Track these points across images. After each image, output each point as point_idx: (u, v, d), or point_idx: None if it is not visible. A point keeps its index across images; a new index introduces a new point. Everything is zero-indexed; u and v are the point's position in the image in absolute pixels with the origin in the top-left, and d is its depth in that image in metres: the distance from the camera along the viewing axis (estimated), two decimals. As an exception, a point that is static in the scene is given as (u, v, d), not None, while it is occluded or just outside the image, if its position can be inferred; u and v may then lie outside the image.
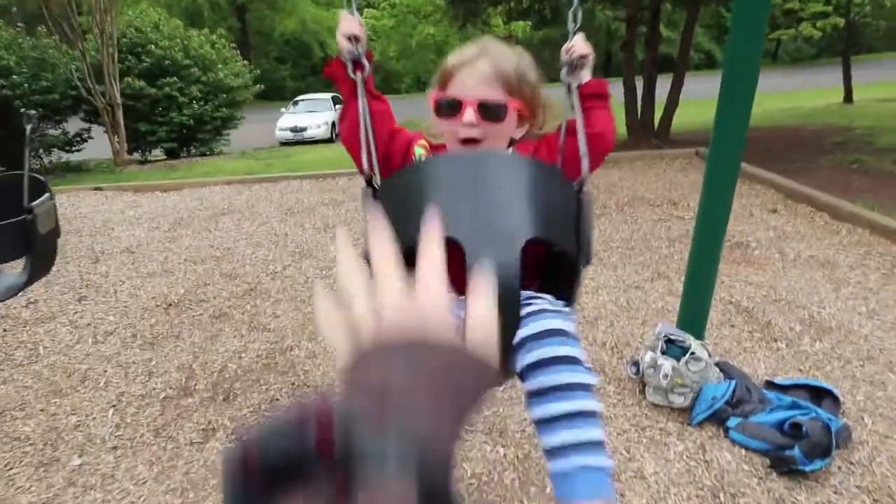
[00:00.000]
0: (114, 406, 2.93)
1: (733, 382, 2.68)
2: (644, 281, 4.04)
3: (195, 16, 32.91)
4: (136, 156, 14.12)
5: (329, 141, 19.26)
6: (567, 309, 1.15)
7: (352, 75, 1.34)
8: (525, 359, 1.03)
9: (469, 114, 1.22)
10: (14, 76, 11.52)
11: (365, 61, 1.34)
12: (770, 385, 2.82)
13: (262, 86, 17.60)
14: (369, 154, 1.28)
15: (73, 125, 13.75)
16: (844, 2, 13.97)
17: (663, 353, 2.73)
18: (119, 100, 12.67)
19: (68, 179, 11.15)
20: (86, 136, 13.81)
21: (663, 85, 9.38)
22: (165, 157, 14.45)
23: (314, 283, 4.25)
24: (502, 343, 0.49)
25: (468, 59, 1.26)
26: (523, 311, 1.05)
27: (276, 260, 4.81)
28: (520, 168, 1.08)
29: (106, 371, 3.25)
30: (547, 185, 1.08)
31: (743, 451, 2.43)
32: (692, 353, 2.64)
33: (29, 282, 2.04)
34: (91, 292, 4.38)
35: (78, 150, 13.70)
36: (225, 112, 15.00)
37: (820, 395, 2.69)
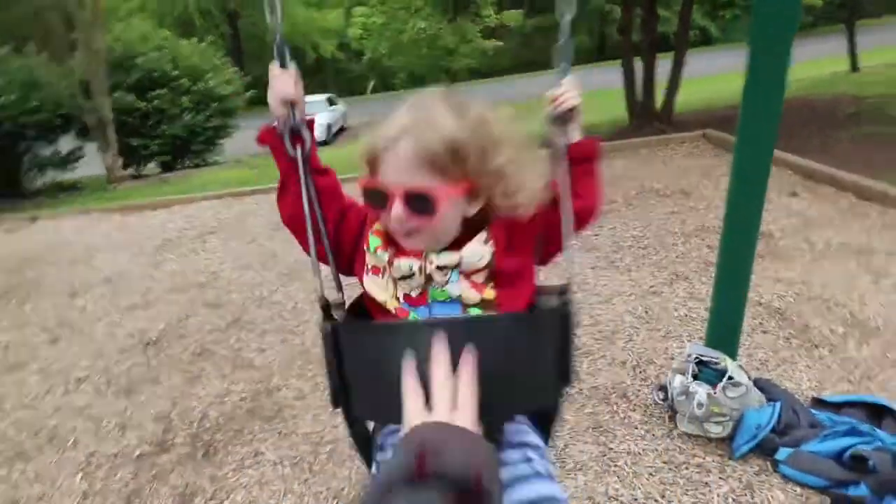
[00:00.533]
0: (82, 470, 2.62)
1: (777, 405, 2.35)
2: (662, 285, 3.69)
3: (187, 25, 32.66)
4: (130, 171, 13.87)
5: (324, 143, 18.96)
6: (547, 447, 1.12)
7: (290, 151, 1.11)
8: None
9: (397, 208, 0.98)
10: (2, 97, 11.28)
11: (305, 132, 1.11)
12: (819, 403, 2.48)
13: (256, 91, 17.29)
14: (322, 255, 1.12)
15: (67, 144, 13.53)
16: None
17: (695, 377, 2.39)
18: (110, 115, 12.40)
19: (61, 200, 10.91)
20: (78, 154, 13.59)
21: (661, 65, 9.00)
22: (160, 170, 14.20)
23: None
24: None
25: (390, 139, 0.98)
26: (514, 470, 1.03)
27: (263, 283, 4.47)
28: (490, 330, 0.96)
29: (76, 427, 2.93)
30: (517, 343, 0.97)
31: (797, 489, 2.10)
32: (730, 378, 2.30)
33: None
34: (66, 332, 4.06)
35: (72, 169, 13.49)
36: (217, 121, 14.72)
37: (879, 412, 2.35)
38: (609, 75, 12.79)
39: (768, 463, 2.22)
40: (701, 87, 13.43)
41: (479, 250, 1.04)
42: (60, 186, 12.83)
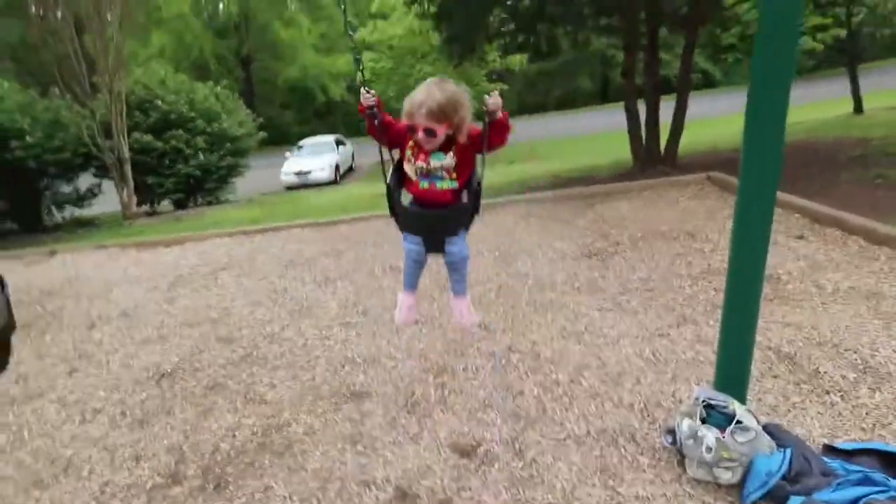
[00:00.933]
0: (96, 499, 2.65)
1: (788, 451, 2.34)
2: (669, 327, 3.71)
3: (202, 69, 33.67)
4: (145, 208, 14.15)
5: (334, 182, 19.24)
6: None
7: (373, 122, 2.39)
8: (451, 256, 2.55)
9: (420, 134, 2.30)
10: (28, 137, 11.68)
11: (377, 112, 2.37)
12: (830, 450, 2.46)
13: (266, 133, 17.69)
14: (386, 164, 2.49)
15: (84, 181, 13.87)
16: (844, 13, 13.76)
17: (703, 420, 2.40)
18: (127, 154, 12.75)
19: (78, 235, 11.12)
20: (96, 191, 13.93)
21: (665, 108, 9.17)
22: (174, 207, 14.46)
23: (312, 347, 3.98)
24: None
25: (416, 105, 2.27)
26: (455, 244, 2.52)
27: (273, 320, 4.53)
28: (447, 213, 2.45)
29: (91, 456, 2.97)
30: (459, 212, 2.45)
31: (808, 538, 2.09)
32: (738, 423, 2.31)
33: None
34: (83, 364, 4.13)
35: (89, 206, 13.80)
36: (230, 161, 15.06)
37: (892, 461, 2.33)
38: (613, 118, 13.03)
39: (780, 510, 2.21)
40: (705, 130, 13.63)
41: (449, 158, 2.34)
42: (78, 222, 13.10)
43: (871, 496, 2.10)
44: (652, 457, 2.55)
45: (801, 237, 5.11)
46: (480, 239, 6.09)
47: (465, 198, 2.42)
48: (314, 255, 6.30)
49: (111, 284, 6.06)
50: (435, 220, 2.42)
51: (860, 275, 4.17)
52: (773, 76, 2.26)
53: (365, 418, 3.04)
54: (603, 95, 37.06)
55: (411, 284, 2.70)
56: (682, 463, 2.46)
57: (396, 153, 2.48)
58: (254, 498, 2.55)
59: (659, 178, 8.01)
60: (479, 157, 2.39)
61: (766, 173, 2.39)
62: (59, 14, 12.04)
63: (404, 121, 2.31)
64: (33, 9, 12.71)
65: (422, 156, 2.33)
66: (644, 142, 9.18)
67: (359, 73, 2.45)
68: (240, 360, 3.89)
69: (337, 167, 20.39)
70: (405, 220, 2.46)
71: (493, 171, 13.61)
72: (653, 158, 9.06)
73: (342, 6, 2.48)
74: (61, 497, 2.70)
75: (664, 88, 9.55)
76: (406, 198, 2.49)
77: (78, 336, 4.67)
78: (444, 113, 2.22)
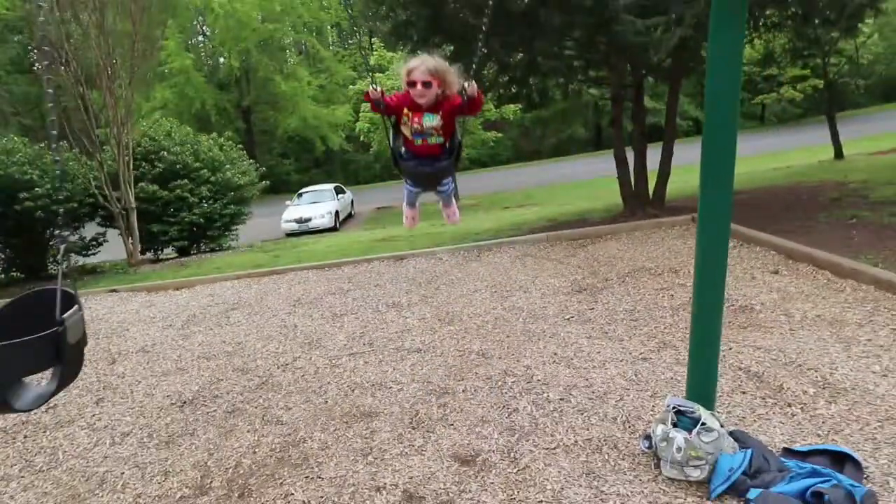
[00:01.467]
0: (130, 510, 2.93)
1: (750, 451, 2.67)
2: (651, 352, 4.06)
3: (204, 121, 34.59)
4: (149, 255, 14.50)
5: (333, 229, 19.69)
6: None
7: (377, 106, 2.93)
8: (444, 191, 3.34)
9: (419, 86, 2.84)
10: (37, 188, 12.08)
11: (381, 102, 2.90)
12: (788, 453, 2.79)
13: (268, 182, 18.23)
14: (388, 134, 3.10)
15: (90, 230, 14.24)
16: (821, 65, 14.56)
17: (674, 425, 2.73)
18: (133, 204, 13.17)
19: (84, 282, 11.41)
20: (101, 239, 14.28)
21: (653, 152, 9.65)
22: (177, 254, 14.81)
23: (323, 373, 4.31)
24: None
25: (415, 66, 2.85)
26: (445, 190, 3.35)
27: (286, 352, 4.87)
28: (438, 163, 3.04)
29: (123, 473, 3.27)
30: (445, 159, 3.03)
31: (765, 523, 2.39)
32: (703, 424, 2.64)
33: (57, 390, 2.11)
34: (108, 394, 4.44)
35: (94, 254, 14.13)
36: (233, 209, 15.48)
37: (841, 460, 2.65)
38: (606, 164, 13.54)
39: (741, 502, 2.52)
40: (693, 174, 14.13)
41: (436, 118, 2.90)
42: (83, 269, 13.39)
43: (818, 485, 2.41)
44: (632, 461, 2.87)
45: (775, 272, 5.50)
46: (478, 277, 6.47)
47: (449, 151, 3.05)
48: (320, 294, 6.66)
49: (127, 324, 6.39)
50: (428, 170, 3.06)
51: (826, 305, 4.54)
52: (720, 121, 2.70)
53: (374, 434, 3.36)
54: (596, 143, 38.10)
55: (412, 203, 3.48)
56: (658, 465, 2.77)
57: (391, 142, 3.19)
58: (276, 503, 2.84)
59: (647, 219, 8.46)
60: (458, 122, 3.02)
61: (719, 214, 2.81)
62: (67, 69, 12.55)
63: (404, 79, 2.89)
64: (38, 66, 13.25)
65: (416, 118, 2.91)
66: (633, 186, 9.63)
67: (369, 78, 3.43)
68: (256, 387, 4.21)
69: (337, 214, 20.92)
70: (406, 170, 3.11)
71: (489, 216, 14.16)
72: (642, 202, 9.50)
73: (358, 39, 3.27)
74: (99, 508, 2.98)
75: (655, 135, 10.04)
76: (406, 154, 3.08)
77: (101, 370, 4.98)
78: (437, 71, 2.83)
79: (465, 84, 2.83)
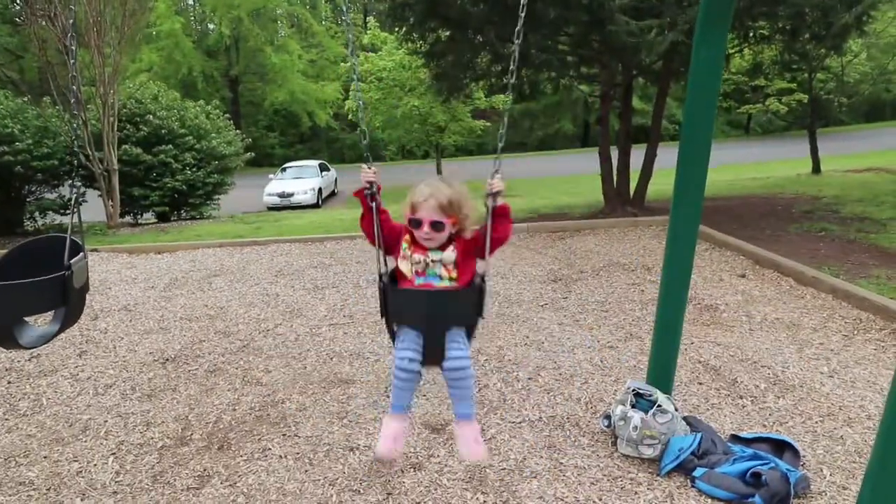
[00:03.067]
0: (114, 454, 3.06)
1: (699, 435, 2.88)
2: (618, 341, 4.27)
3: (190, 87, 34.09)
4: (128, 219, 14.41)
5: (315, 206, 19.69)
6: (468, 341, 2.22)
7: (370, 203, 2.20)
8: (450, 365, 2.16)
9: (426, 228, 2.11)
10: (17, 143, 11.92)
11: (377, 195, 2.20)
12: (735, 438, 3.02)
13: (253, 154, 18.17)
14: (379, 250, 2.20)
15: (69, 189, 14.04)
16: (807, 79, 14.88)
17: (633, 406, 2.93)
18: (116, 166, 13.06)
19: (61, 241, 11.32)
20: (81, 200, 14.11)
21: (638, 154, 9.88)
22: (157, 220, 14.74)
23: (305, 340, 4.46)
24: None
25: (423, 197, 2.12)
26: (453, 350, 2.15)
27: (267, 319, 5.00)
28: (450, 295, 2.14)
29: (106, 421, 3.39)
30: (462, 298, 2.14)
31: (708, 500, 2.61)
32: (659, 406, 2.84)
33: (60, 331, 2.25)
34: (91, 347, 4.53)
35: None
36: (216, 178, 15.43)
37: (781, 448, 2.89)
38: (591, 162, 13.73)
39: (687, 480, 2.73)
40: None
41: (451, 255, 2.15)
42: (60, 229, 13.27)
43: (757, 467, 2.64)
44: (591, 438, 3.07)
45: (742, 276, 5.75)
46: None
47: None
48: (302, 266, 6.78)
49: (108, 283, 6.44)
50: (434, 302, 2.10)
51: (786, 309, 4.80)
52: (697, 128, 2.89)
53: (350, 399, 3.52)
54: (583, 140, 38.37)
55: (401, 405, 2.25)
56: (615, 444, 2.98)
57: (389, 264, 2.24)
58: (253, 456, 2.99)
59: (626, 217, 8.70)
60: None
61: (689, 216, 3.01)
62: (55, 23, 12.33)
63: (407, 214, 2.15)
64: (24, 17, 12.99)
65: (419, 252, 2.15)
66: (615, 184, 9.84)
67: (362, 138, 2.35)
68: (237, 349, 4.35)
69: (320, 191, 20.90)
70: (397, 303, 2.15)
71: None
72: (622, 201, 9.72)
73: (352, 61, 2.44)
74: (82, 451, 3.10)
75: (640, 136, 10.24)
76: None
77: (84, 325, 5.05)
78: (451, 207, 2.10)
79: (489, 188, 2.08)
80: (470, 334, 2.22)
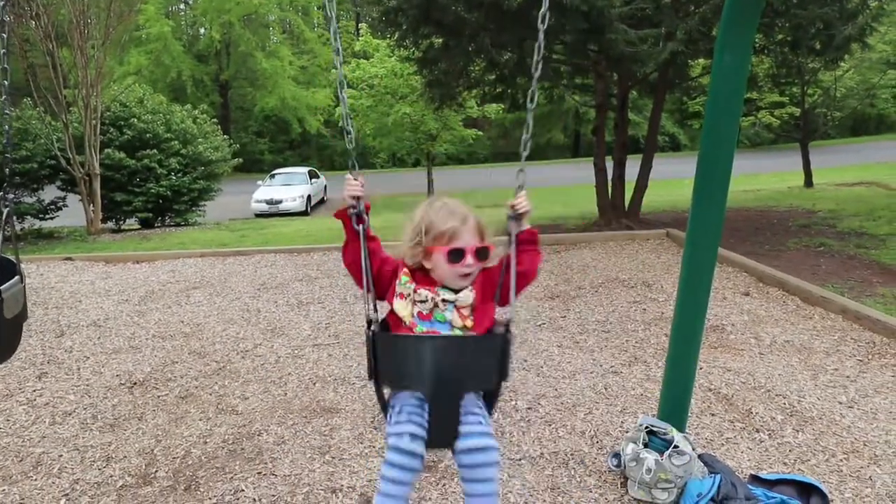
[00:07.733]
0: (66, 495, 2.74)
1: (718, 477, 2.61)
2: (622, 365, 4.00)
3: (179, 91, 33.72)
4: (110, 224, 14.02)
5: (304, 213, 19.38)
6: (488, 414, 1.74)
7: (355, 226, 1.74)
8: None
9: (469, 259, 1.65)
10: None
11: (364, 216, 1.74)
12: (755, 480, 2.74)
13: (241, 159, 17.84)
14: (367, 288, 1.72)
15: (49, 193, 13.69)
16: (798, 94, 14.82)
17: (645, 445, 2.66)
18: (98, 170, 12.71)
19: (40, 247, 10.95)
20: (60, 204, 13.75)
21: (632, 166, 9.68)
22: (140, 226, 14.36)
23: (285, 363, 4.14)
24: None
25: (461, 220, 1.68)
26: (470, 426, 1.64)
27: (247, 338, 4.68)
28: (465, 344, 1.64)
29: (61, 455, 3.06)
30: (482, 351, 1.62)
31: (731, 552, 2.33)
32: (675, 447, 2.57)
33: None
34: (53, 368, 4.19)
35: (52, 218, 13.59)
36: (202, 184, 15.09)
37: (807, 490, 2.62)
38: (581, 172, 13.61)
39: (707, 528, 2.46)
40: (668, 190, 14.32)
41: (468, 295, 1.69)
42: (39, 234, 12.87)
43: (786, 517, 2.37)
44: (598, 478, 2.79)
45: (746, 294, 5.52)
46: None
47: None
48: (287, 279, 6.46)
49: (80, 295, 6.10)
50: (445, 354, 1.56)
51: (795, 331, 4.56)
52: (718, 146, 2.62)
53: (333, 432, 3.21)
54: (574, 150, 38.34)
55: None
56: (624, 485, 2.70)
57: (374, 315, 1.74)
58: (223, 500, 2.68)
59: (622, 231, 8.47)
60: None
61: (709, 236, 2.73)
62: (38, 23, 11.99)
63: (434, 248, 1.65)
64: (6, 16, 12.70)
65: (426, 289, 1.67)
66: (610, 196, 9.65)
67: (350, 148, 1.92)
68: (212, 372, 4.02)
69: (309, 198, 20.60)
70: (392, 357, 1.61)
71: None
72: (617, 213, 9.52)
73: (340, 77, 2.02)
74: (31, 492, 2.77)
75: (634, 148, 10.08)
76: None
77: (47, 342, 4.72)
78: (486, 231, 1.70)
79: (513, 209, 1.68)
80: (491, 405, 1.71)
